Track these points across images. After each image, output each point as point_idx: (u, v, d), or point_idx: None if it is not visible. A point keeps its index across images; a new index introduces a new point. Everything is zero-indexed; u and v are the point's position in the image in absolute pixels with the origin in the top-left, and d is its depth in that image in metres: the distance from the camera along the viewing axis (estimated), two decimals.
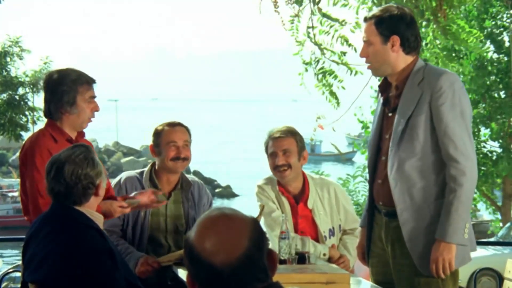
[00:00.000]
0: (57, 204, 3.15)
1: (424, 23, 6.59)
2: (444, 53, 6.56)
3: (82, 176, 3.09)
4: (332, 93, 6.61)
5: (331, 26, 6.29)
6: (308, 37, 6.42)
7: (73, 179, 3.09)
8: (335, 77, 6.58)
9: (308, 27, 6.39)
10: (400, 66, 3.39)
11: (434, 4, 5.96)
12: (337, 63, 6.43)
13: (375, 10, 3.43)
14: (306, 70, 6.68)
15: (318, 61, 6.57)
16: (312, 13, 6.30)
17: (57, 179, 3.10)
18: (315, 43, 6.41)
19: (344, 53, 6.37)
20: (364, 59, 3.49)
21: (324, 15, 6.25)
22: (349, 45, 6.28)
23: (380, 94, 3.56)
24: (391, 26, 3.34)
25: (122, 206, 3.76)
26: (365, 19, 3.44)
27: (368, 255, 3.63)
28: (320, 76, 6.59)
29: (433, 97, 3.27)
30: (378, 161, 3.49)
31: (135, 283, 3.19)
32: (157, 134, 4.31)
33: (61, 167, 3.10)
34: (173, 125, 4.32)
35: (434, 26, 6.23)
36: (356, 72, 6.32)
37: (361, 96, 7.20)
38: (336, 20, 6.26)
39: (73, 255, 2.96)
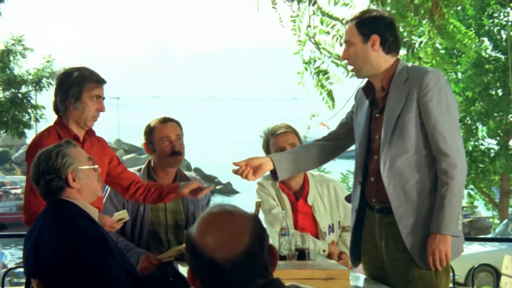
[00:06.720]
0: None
1: (422, 21, 6.59)
2: (442, 52, 6.56)
3: (45, 170, 3.09)
4: (330, 94, 6.62)
5: (332, 26, 6.28)
6: (307, 36, 6.42)
7: (38, 174, 3.11)
8: (327, 78, 6.57)
9: (308, 26, 6.39)
10: (382, 67, 3.46)
11: (430, 4, 5.97)
12: (336, 64, 6.44)
13: (356, 13, 3.53)
14: (306, 69, 6.67)
15: (315, 61, 6.57)
16: (314, 12, 6.30)
17: (33, 177, 3.15)
18: (315, 43, 6.42)
19: (339, 56, 6.37)
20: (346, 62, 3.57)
21: (324, 14, 6.25)
22: None
23: (365, 97, 3.62)
24: (371, 26, 3.43)
25: (112, 226, 3.77)
26: (346, 22, 3.53)
27: (359, 253, 3.67)
28: (315, 76, 6.60)
29: (420, 94, 3.34)
30: (370, 160, 3.53)
31: (133, 272, 3.19)
32: (149, 131, 4.36)
33: (34, 166, 3.14)
34: (164, 121, 4.36)
35: (430, 25, 6.23)
36: (352, 75, 6.32)
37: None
38: (336, 19, 6.25)
39: (65, 242, 2.96)
